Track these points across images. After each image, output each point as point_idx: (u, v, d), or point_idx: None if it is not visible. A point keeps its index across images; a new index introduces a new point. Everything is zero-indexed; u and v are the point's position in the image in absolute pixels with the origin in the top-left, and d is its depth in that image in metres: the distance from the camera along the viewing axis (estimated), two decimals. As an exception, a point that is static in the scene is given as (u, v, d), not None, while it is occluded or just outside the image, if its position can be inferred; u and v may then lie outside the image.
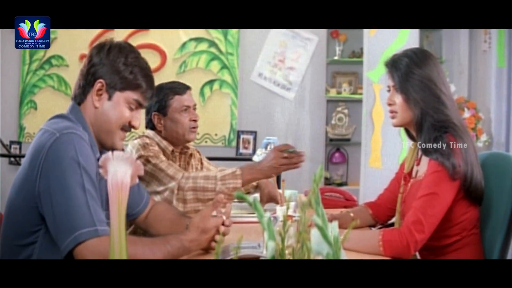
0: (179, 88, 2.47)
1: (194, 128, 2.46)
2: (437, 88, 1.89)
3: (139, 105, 1.63)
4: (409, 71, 1.90)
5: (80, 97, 1.61)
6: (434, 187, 1.80)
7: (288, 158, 2.09)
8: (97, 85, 1.58)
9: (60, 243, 1.41)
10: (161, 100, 2.43)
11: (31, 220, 1.49)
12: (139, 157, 2.30)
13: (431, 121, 1.88)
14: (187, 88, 2.50)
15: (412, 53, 1.94)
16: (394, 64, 1.94)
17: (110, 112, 1.59)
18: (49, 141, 1.45)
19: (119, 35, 4.71)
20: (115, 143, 1.61)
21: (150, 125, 2.49)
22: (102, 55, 1.59)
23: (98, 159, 1.54)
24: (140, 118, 1.65)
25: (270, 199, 2.50)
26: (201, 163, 2.64)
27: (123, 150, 1.68)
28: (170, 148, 2.44)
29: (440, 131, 1.86)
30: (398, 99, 1.92)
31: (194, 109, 2.50)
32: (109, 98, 1.59)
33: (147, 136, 2.46)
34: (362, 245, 1.75)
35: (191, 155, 2.59)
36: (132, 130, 1.66)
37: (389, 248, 1.72)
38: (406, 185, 1.99)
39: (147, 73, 1.63)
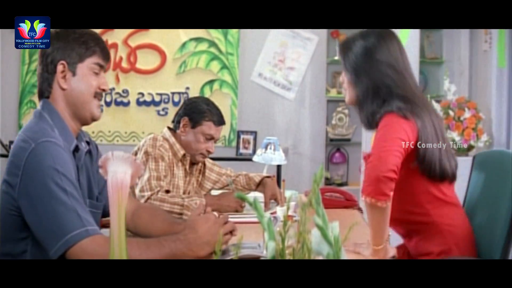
0: (218, 120, 2.53)
1: (204, 156, 2.56)
2: (379, 62, 1.92)
3: (101, 67, 1.66)
4: (350, 49, 1.96)
5: (47, 90, 1.64)
6: (383, 128, 1.86)
7: (243, 207, 2.41)
8: (59, 67, 1.62)
9: (50, 248, 1.42)
10: (198, 114, 2.50)
11: (18, 228, 1.50)
12: (145, 152, 2.36)
13: (372, 98, 1.92)
14: (223, 123, 2.57)
15: (358, 33, 2.00)
16: (343, 45, 2.02)
17: (79, 85, 1.62)
18: (25, 152, 1.48)
19: (118, 34, 4.72)
20: (94, 112, 1.65)
21: (176, 124, 2.56)
22: (53, 41, 1.62)
23: (76, 147, 1.61)
24: (106, 79, 1.69)
25: (272, 196, 2.52)
26: (204, 164, 2.67)
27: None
28: (182, 152, 2.51)
29: (382, 108, 1.90)
30: (345, 78, 2.00)
31: (215, 141, 2.56)
32: (74, 74, 1.62)
33: (163, 136, 2.52)
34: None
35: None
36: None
37: (368, 187, 1.75)
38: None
39: (95, 36, 1.67)
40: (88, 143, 1.74)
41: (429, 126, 1.87)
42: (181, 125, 2.52)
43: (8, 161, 1.53)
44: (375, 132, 1.94)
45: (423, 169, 1.88)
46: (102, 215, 1.80)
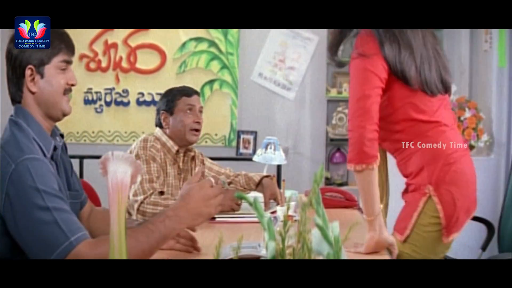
0: (188, 91, 2.60)
1: (196, 130, 2.55)
2: None
3: (68, 63, 1.67)
4: None
5: (18, 95, 1.66)
6: (351, 79, 1.91)
7: (239, 205, 2.40)
8: (27, 72, 1.62)
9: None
10: (169, 100, 2.57)
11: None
12: (136, 155, 2.38)
13: None
14: (196, 92, 2.63)
15: None
16: None
17: (49, 86, 1.63)
18: (7, 175, 1.49)
19: (118, 34, 4.72)
20: (64, 109, 1.67)
21: (158, 122, 2.60)
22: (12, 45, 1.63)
23: (55, 147, 1.63)
24: (73, 73, 1.69)
25: (272, 196, 2.52)
26: (203, 164, 2.67)
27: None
28: (176, 148, 2.53)
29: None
30: None
31: (200, 111, 2.60)
32: (42, 76, 1.63)
33: (155, 136, 2.54)
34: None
35: (193, 157, 2.63)
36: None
37: (355, 156, 1.79)
38: None
39: (58, 33, 1.67)
40: (62, 136, 1.76)
41: (404, 48, 1.86)
42: (162, 121, 2.57)
43: None
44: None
45: (401, 81, 1.88)
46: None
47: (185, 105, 2.54)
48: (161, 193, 2.34)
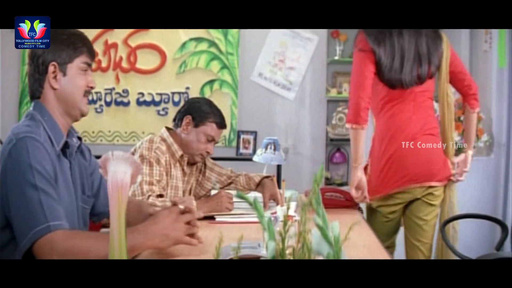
0: (221, 122, 2.56)
1: (203, 157, 2.55)
2: None
3: (89, 66, 1.75)
4: None
5: (38, 91, 1.70)
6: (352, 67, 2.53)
7: (232, 203, 2.41)
8: (51, 68, 1.68)
9: (20, 241, 1.49)
10: (203, 114, 2.52)
11: (2, 217, 1.56)
12: (140, 155, 2.34)
13: None
14: (225, 127, 2.59)
15: None
16: None
17: (70, 85, 1.70)
18: (7, 148, 1.57)
19: (119, 34, 4.72)
20: (83, 109, 1.73)
21: (178, 122, 2.55)
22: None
23: (66, 143, 1.68)
24: (92, 77, 1.76)
25: (271, 196, 2.52)
26: (204, 164, 2.67)
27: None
28: (180, 152, 2.50)
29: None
30: None
31: (215, 144, 2.57)
32: (64, 74, 1.70)
33: (161, 136, 2.50)
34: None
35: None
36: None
37: (351, 115, 2.48)
38: None
39: (82, 36, 1.75)
40: (79, 138, 1.80)
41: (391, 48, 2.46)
42: (183, 123, 2.51)
43: None
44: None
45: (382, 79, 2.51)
46: (99, 215, 1.88)
47: (210, 132, 2.50)
48: (160, 196, 2.32)
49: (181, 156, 2.50)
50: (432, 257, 2.67)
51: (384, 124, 2.56)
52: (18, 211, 1.51)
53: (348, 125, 2.49)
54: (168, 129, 2.55)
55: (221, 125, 2.54)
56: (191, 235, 1.63)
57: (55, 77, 1.68)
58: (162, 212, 1.62)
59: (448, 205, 2.65)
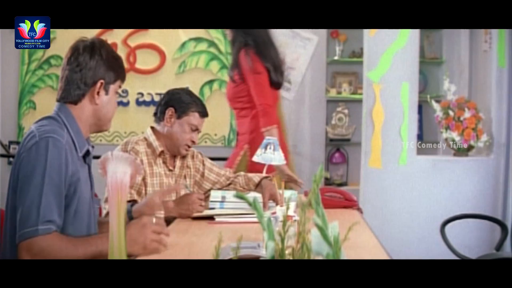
0: (203, 111, 2.56)
1: (188, 147, 2.54)
2: None
3: (120, 87, 1.87)
4: None
5: (78, 97, 1.76)
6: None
7: (203, 207, 2.34)
8: (98, 84, 1.75)
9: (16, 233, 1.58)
10: (185, 104, 2.51)
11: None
12: None
13: None
14: (207, 115, 2.59)
15: None
16: None
17: (109, 105, 1.80)
18: (29, 144, 1.63)
19: (118, 34, 4.72)
20: (109, 126, 1.86)
21: (160, 116, 2.54)
22: (97, 57, 1.75)
23: (87, 151, 1.77)
24: None
25: (271, 196, 2.51)
26: (203, 164, 2.65)
27: None
28: (160, 149, 2.48)
29: None
30: None
31: (198, 133, 2.56)
32: (107, 93, 1.78)
33: (144, 136, 2.52)
34: None
35: (189, 155, 2.59)
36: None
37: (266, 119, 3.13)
38: None
39: (122, 60, 1.87)
40: (92, 147, 1.87)
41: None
42: (166, 116, 2.50)
43: (18, 148, 1.70)
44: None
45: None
46: None
47: (193, 122, 2.50)
48: (134, 201, 2.28)
49: (162, 152, 2.48)
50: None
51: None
52: (22, 207, 1.58)
53: (265, 129, 3.07)
54: (152, 128, 2.54)
55: (204, 113, 2.55)
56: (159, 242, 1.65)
57: (98, 93, 1.76)
58: (132, 221, 1.67)
59: None
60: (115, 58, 1.82)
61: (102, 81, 1.75)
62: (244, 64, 3.15)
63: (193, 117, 2.51)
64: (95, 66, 1.74)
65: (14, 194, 1.64)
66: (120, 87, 1.85)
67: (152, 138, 2.49)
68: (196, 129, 2.52)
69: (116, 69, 1.80)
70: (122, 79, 1.84)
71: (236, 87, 3.24)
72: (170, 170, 2.53)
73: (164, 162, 2.51)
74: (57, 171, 1.61)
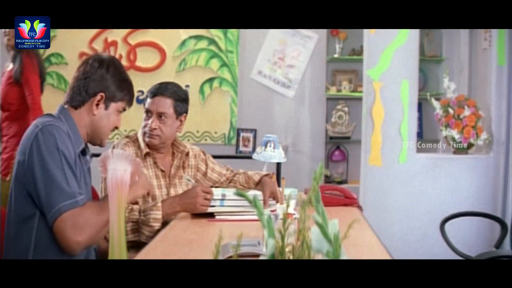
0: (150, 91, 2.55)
1: (151, 135, 2.43)
2: None
3: (124, 110, 1.93)
4: None
5: (78, 103, 1.84)
6: None
7: (209, 200, 2.28)
8: (98, 96, 1.83)
9: (47, 217, 1.65)
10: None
11: (26, 205, 1.70)
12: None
13: None
14: (155, 94, 2.53)
15: None
16: None
17: (105, 120, 1.86)
18: (33, 133, 1.70)
19: (118, 32, 4.71)
20: (104, 142, 1.92)
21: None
22: (103, 71, 1.84)
23: (83, 150, 1.83)
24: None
25: (271, 194, 2.51)
26: (206, 164, 2.63)
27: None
28: (146, 150, 2.43)
29: None
30: None
31: (160, 116, 2.46)
32: (106, 108, 1.86)
33: (136, 137, 2.49)
34: None
35: (187, 154, 2.55)
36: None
37: None
38: None
39: (132, 86, 1.96)
40: (91, 156, 1.95)
41: None
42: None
43: (20, 142, 1.75)
44: None
45: None
46: None
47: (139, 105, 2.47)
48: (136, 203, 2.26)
49: (147, 154, 2.42)
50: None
51: None
52: (45, 188, 1.65)
53: None
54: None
55: (150, 94, 2.58)
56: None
57: (97, 105, 1.83)
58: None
59: None
60: (124, 80, 1.90)
61: (102, 94, 1.82)
62: None
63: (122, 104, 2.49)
64: (99, 78, 1.83)
65: (18, 183, 1.71)
66: (124, 109, 1.91)
67: (141, 138, 2.45)
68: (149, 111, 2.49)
69: (121, 90, 1.87)
70: (127, 102, 1.91)
71: None
72: (162, 171, 2.47)
73: (155, 163, 2.45)
74: (66, 148, 1.70)
